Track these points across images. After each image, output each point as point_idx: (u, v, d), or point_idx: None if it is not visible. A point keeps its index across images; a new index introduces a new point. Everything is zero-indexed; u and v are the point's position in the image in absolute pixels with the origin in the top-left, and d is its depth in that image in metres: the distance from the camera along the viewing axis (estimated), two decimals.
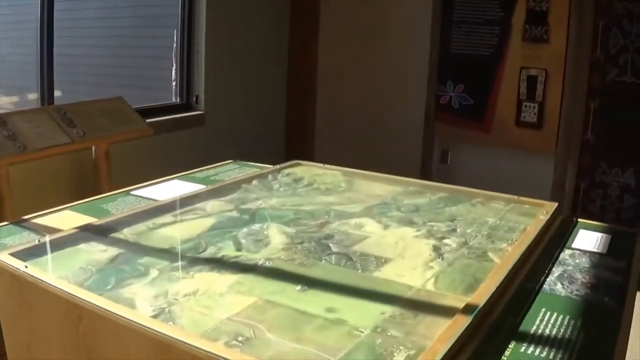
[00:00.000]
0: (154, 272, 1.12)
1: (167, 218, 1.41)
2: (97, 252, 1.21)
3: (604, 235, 1.35)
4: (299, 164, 1.85)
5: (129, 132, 2.30)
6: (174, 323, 0.94)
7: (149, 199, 1.56)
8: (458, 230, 1.34)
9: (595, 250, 1.27)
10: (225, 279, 1.09)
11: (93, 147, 2.22)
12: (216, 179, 1.74)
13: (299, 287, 1.07)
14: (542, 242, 1.29)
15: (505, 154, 3.00)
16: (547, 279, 1.14)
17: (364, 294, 1.05)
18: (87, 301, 0.98)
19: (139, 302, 1.01)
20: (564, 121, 2.86)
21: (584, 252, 1.26)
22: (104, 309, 0.96)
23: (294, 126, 3.46)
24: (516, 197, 1.54)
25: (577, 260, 1.22)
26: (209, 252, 1.22)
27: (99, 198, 1.58)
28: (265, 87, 3.34)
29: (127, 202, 1.55)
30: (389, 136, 3.25)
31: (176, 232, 1.33)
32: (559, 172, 2.91)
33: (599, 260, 1.22)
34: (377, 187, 1.67)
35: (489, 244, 1.27)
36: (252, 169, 1.84)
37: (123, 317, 0.93)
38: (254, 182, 1.67)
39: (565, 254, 1.25)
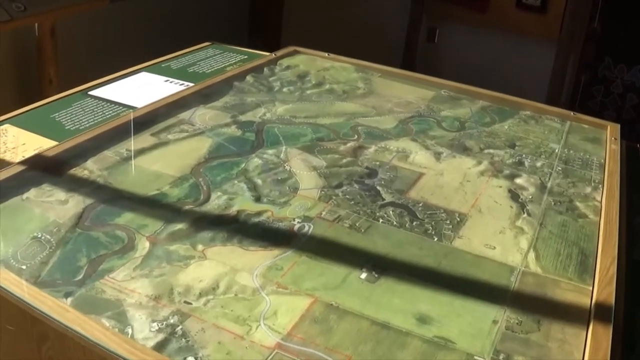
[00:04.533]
0: (142, 244, 0.79)
1: (144, 139, 1.05)
2: (55, 204, 0.85)
3: None
4: (297, 52, 1.49)
5: (79, 2, 1.82)
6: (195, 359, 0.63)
7: (114, 102, 1.19)
8: (526, 164, 1.07)
9: None
10: (253, 259, 0.77)
11: (36, 25, 1.74)
12: (195, 70, 1.37)
13: (364, 274, 0.77)
14: (623, 183, 1.04)
15: (500, 38, 2.66)
16: None
17: (454, 283, 0.77)
18: (50, 317, 0.64)
19: (131, 312, 0.67)
20: (570, 7, 2.54)
21: None
22: (75, 331, 0.63)
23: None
24: (571, 113, 1.26)
25: None
26: (216, 203, 0.89)
27: (46, 103, 1.19)
28: None
29: (84, 108, 1.17)
30: (370, 6, 2.82)
31: (161, 163, 0.98)
32: (559, 62, 2.62)
33: None
34: (401, 88, 1.35)
35: (571, 188, 1.01)
36: (238, 55, 1.47)
37: (106, 348, 0.61)
38: (248, 78, 1.31)
39: None
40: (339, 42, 2.68)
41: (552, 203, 0.96)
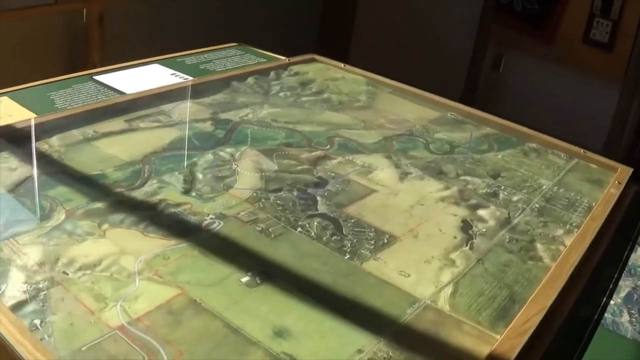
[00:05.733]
0: (59, 215, 0.79)
1: (117, 124, 1.06)
2: (3, 170, 0.88)
3: None
4: (314, 60, 1.45)
5: None
6: (40, 324, 0.61)
7: (111, 88, 1.21)
8: (501, 196, 0.97)
9: None
10: (146, 245, 0.75)
11: (84, 11, 1.83)
12: (207, 68, 1.37)
13: (247, 277, 0.72)
14: (609, 233, 0.91)
15: (564, 71, 2.48)
16: (611, 302, 0.78)
17: (341, 303, 0.70)
18: None
19: (13, 272, 0.68)
20: (638, 47, 2.33)
21: None
22: None
23: (330, 11, 2.91)
24: (582, 150, 1.14)
25: None
26: (146, 189, 0.87)
27: (48, 82, 1.22)
28: None
29: (82, 91, 1.19)
30: (436, 33, 2.72)
31: (119, 148, 0.98)
32: (623, 103, 2.41)
33: None
34: (406, 106, 1.28)
35: (540, 227, 0.90)
36: (258, 58, 1.46)
37: None
38: (249, 79, 1.29)
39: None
40: (402, 60, 2.63)
41: (507, 240, 0.86)
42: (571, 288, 0.78)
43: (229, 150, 1.00)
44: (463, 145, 1.12)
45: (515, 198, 0.97)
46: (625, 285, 0.82)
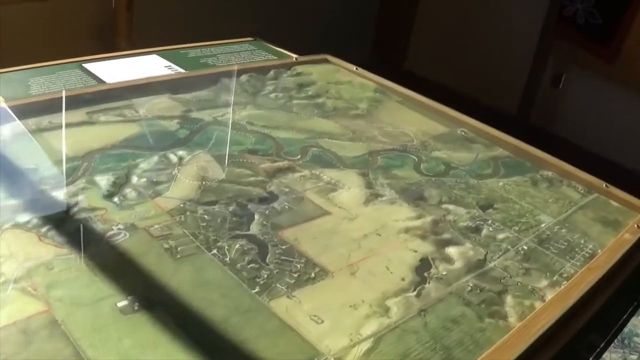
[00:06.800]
0: None
1: (76, 115, 0.97)
2: None
3: None
4: (326, 61, 1.32)
5: None
6: None
7: (97, 78, 1.12)
8: (484, 231, 0.81)
9: None
10: (36, 251, 0.66)
11: None
12: (207, 62, 1.26)
13: (125, 302, 0.60)
14: (607, 290, 0.73)
15: (625, 95, 2.21)
16: None
17: (221, 347, 0.57)
18: None
19: None
20: None
21: None
22: None
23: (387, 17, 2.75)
24: (604, 184, 0.95)
25: None
26: (70, 189, 0.78)
27: (33, 67, 1.15)
28: None
29: (63, 78, 1.12)
30: (495, 43, 2.50)
31: (68, 141, 0.89)
32: None
33: None
34: (412, 118, 1.12)
35: (520, 275, 0.73)
36: (268, 54, 1.34)
37: None
38: (243, 77, 1.17)
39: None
40: (458, 70, 2.44)
41: (468, 288, 0.70)
42: (532, 359, 0.62)
43: (180, 152, 0.89)
44: (461, 167, 0.96)
45: (501, 236, 0.80)
46: (610, 359, 0.64)
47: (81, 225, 0.71)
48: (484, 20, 2.49)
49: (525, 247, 0.78)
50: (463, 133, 1.08)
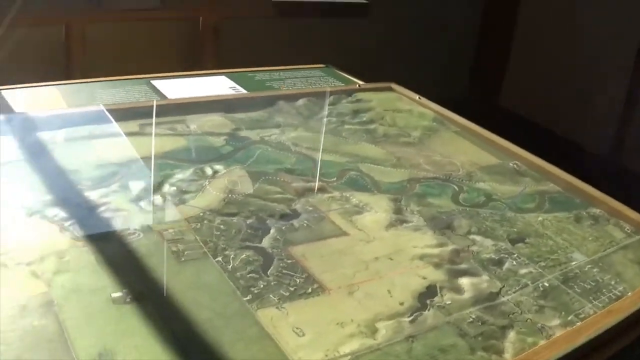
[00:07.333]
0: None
1: (129, 126, 1.03)
2: None
3: None
4: (390, 89, 1.32)
5: (238, 7, 1.89)
6: None
7: (161, 93, 1.19)
8: (506, 265, 0.77)
9: None
10: (57, 241, 0.71)
11: (201, 19, 1.87)
12: (272, 86, 1.30)
13: (119, 293, 0.64)
14: (624, 337, 0.68)
15: None
16: None
17: (195, 346, 0.59)
18: None
19: None
20: None
21: None
22: None
23: (485, 53, 2.67)
24: None
25: None
26: (102, 190, 0.82)
27: (102, 81, 1.24)
28: None
29: (131, 91, 1.20)
30: (592, 78, 2.36)
31: (112, 150, 0.95)
32: None
33: None
34: (464, 148, 1.10)
35: (532, 312, 0.69)
36: (336, 81, 1.36)
37: None
38: (301, 100, 1.20)
39: None
40: (554, 104, 2.33)
41: (470, 320, 0.67)
42: None
43: (217, 167, 0.93)
44: (503, 200, 0.93)
45: (523, 271, 0.76)
46: None
47: (101, 223, 0.75)
48: (581, 56, 2.39)
49: (547, 284, 0.74)
50: (515, 166, 1.04)
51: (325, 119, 1.14)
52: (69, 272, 0.66)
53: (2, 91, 1.10)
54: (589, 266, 0.79)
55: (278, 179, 0.92)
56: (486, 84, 2.58)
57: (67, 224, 0.74)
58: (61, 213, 0.76)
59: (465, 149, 1.09)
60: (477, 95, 2.48)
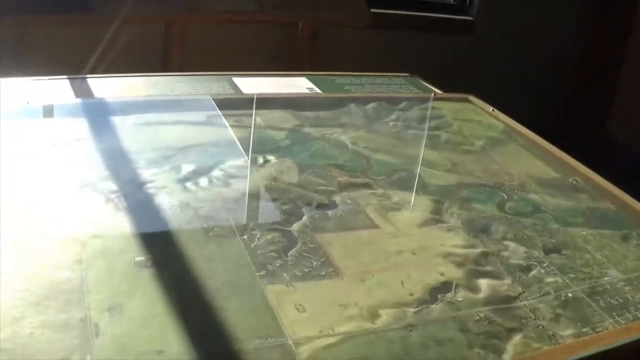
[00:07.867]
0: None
1: (198, 116, 1.10)
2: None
3: None
4: (467, 100, 1.31)
5: (337, 16, 1.94)
6: None
7: (237, 89, 1.26)
8: (533, 272, 0.76)
9: None
10: (101, 210, 0.78)
11: (300, 25, 1.93)
12: (349, 90, 1.34)
13: (142, 258, 0.69)
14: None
15: None
16: None
17: (197, 309, 0.63)
18: None
19: None
20: None
21: None
22: None
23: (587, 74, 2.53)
24: None
25: None
26: (154, 170, 0.89)
27: (186, 75, 1.32)
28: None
29: (210, 87, 1.26)
30: None
31: (175, 136, 1.02)
32: None
33: None
34: (526, 161, 1.08)
35: (546, 320, 0.68)
36: (415, 89, 1.38)
37: None
38: (372, 104, 1.22)
39: None
40: None
41: (476, 317, 0.67)
42: None
43: (270, 157, 0.97)
44: (550, 212, 0.91)
45: (549, 279, 0.75)
46: None
47: (144, 197, 0.82)
48: None
49: (570, 295, 0.72)
50: (574, 182, 1.01)
51: (391, 123, 1.16)
52: (102, 237, 0.73)
53: (90, 79, 1.20)
54: (622, 283, 0.76)
55: (325, 172, 0.95)
56: (588, 111, 2.47)
57: (113, 195, 0.81)
58: (111, 186, 0.83)
59: (526, 161, 1.07)
60: (578, 122, 2.38)
